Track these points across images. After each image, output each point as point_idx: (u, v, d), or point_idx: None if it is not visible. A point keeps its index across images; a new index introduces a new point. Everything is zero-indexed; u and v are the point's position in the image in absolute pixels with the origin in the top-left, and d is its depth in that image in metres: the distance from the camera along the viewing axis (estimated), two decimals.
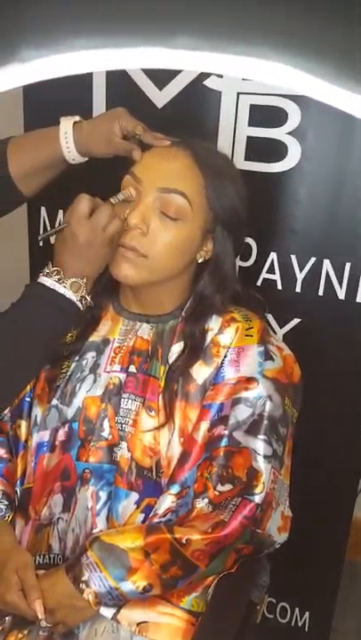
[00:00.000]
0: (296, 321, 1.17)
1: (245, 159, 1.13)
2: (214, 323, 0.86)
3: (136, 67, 0.17)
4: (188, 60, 0.15)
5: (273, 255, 1.16)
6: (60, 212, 1.38)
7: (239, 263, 1.19)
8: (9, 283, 1.79)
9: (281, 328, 1.18)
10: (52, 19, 0.14)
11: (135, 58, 0.15)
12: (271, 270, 1.16)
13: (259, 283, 1.18)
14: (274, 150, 1.09)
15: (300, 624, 1.39)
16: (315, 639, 1.37)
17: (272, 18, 0.15)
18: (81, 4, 0.14)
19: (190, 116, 1.15)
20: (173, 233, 0.80)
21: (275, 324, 1.18)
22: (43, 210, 1.40)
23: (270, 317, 1.17)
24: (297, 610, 1.38)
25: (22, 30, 0.14)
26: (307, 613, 1.37)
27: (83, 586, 0.77)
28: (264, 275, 1.17)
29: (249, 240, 1.17)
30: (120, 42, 0.14)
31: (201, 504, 0.82)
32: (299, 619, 1.38)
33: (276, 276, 1.16)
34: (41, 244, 1.43)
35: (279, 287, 1.16)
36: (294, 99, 1.05)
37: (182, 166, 0.81)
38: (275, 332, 1.15)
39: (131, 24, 0.15)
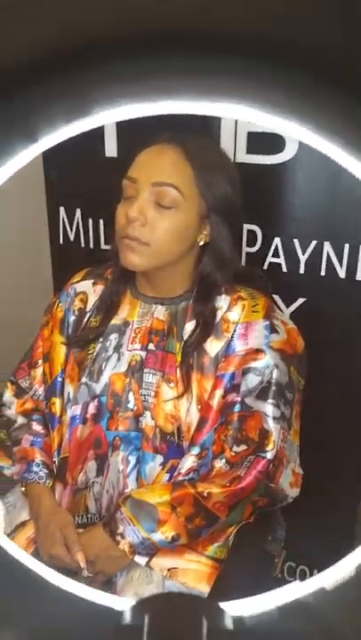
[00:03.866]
0: (301, 300, 1.26)
1: (247, 152, 1.22)
2: (223, 302, 0.96)
3: (164, 112, 0.26)
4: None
5: (277, 240, 1.25)
6: (78, 210, 1.48)
7: (246, 249, 1.28)
8: (30, 280, 1.90)
9: (287, 307, 1.27)
10: (120, 81, 0.23)
11: (162, 107, 0.24)
12: (276, 254, 1.26)
13: (265, 266, 1.27)
14: (273, 143, 1.18)
15: None
16: None
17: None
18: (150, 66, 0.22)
19: (194, 118, 1.24)
20: (170, 220, 0.89)
21: (281, 303, 1.27)
22: (62, 210, 1.51)
23: (277, 298, 1.26)
24: (315, 572, 1.48)
25: (93, 93, 0.23)
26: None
27: (118, 538, 0.88)
28: (270, 259, 1.26)
29: (254, 227, 1.26)
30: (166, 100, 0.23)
31: (219, 464, 0.92)
32: None
33: (281, 260, 1.25)
34: (61, 242, 1.55)
35: (284, 270, 1.25)
36: None
37: (172, 161, 0.90)
38: (282, 311, 1.24)
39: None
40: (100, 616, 0.28)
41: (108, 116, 0.23)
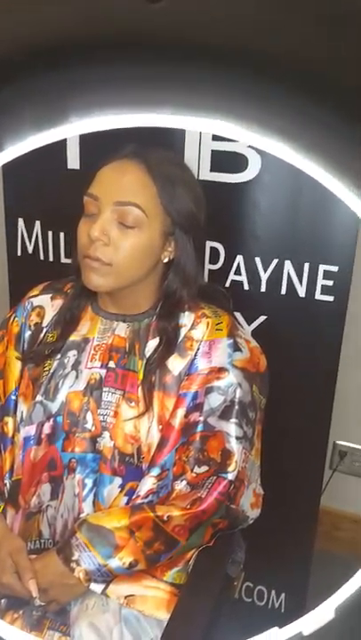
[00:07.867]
0: (262, 318, 1.26)
1: (211, 170, 1.22)
2: (187, 319, 0.94)
3: (144, 124, 0.24)
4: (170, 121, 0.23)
5: (239, 258, 1.25)
6: (37, 222, 1.44)
7: (209, 266, 1.28)
8: None
9: (249, 325, 1.27)
10: (93, 92, 0.21)
11: (143, 120, 0.22)
12: (238, 272, 1.25)
13: (227, 284, 1.27)
14: (236, 162, 1.19)
15: (276, 605, 1.47)
16: (291, 619, 1.46)
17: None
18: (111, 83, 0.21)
19: (158, 134, 1.23)
20: (133, 240, 0.87)
21: (243, 321, 1.27)
22: (20, 221, 1.46)
23: (239, 315, 1.25)
24: (273, 592, 1.46)
25: (70, 98, 0.21)
26: (283, 595, 1.45)
27: (73, 565, 0.84)
28: (232, 276, 1.26)
29: (217, 245, 1.26)
30: (134, 108, 0.21)
31: (180, 486, 0.89)
32: (275, 600, 1.46)
33: (243, 278, 1.25)
34: (19, 253, 1.50)
35: (246, 287, 1.25)
36: None
37: (135, 179, 0.88)
38: (243, 329, 1.24)
39: (143, 95, 0.22)
40: None
41: (83, 126, 0.21)
